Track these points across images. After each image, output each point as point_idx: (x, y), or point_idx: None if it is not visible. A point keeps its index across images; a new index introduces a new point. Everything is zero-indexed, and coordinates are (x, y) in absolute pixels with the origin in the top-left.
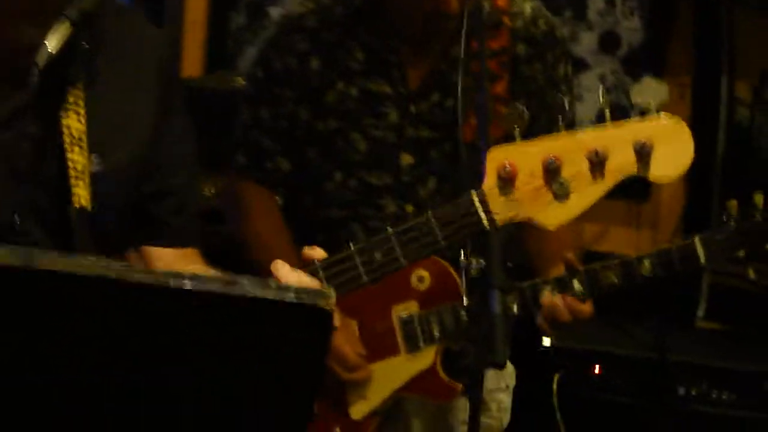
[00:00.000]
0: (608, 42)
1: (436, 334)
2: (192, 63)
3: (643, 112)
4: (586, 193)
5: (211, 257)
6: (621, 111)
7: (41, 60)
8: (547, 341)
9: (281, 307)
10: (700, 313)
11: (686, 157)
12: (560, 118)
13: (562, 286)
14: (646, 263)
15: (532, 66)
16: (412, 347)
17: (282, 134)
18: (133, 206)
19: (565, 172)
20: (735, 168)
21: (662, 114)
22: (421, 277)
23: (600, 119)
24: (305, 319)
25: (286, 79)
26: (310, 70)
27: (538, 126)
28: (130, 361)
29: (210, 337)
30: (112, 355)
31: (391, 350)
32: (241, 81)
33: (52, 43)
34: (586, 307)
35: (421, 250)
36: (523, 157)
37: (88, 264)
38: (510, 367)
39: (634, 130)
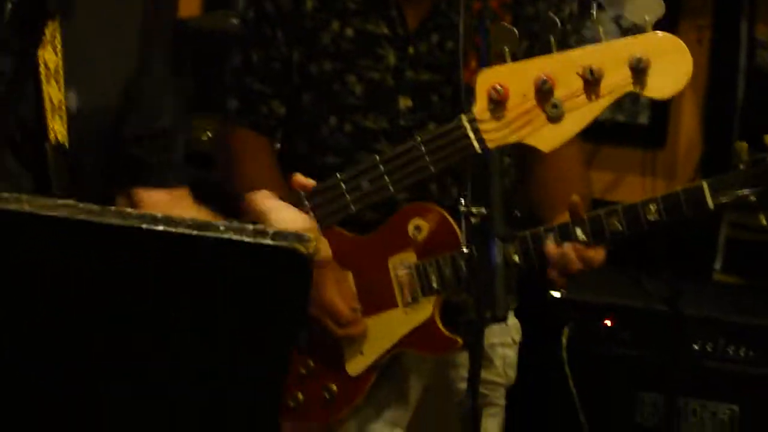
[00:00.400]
0: None
1: (435, 285)
2: (190, 1)
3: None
4: (580, 114)
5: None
6: None
7: None
8: (556, 292)
9: (258, 251)
10: (717, 265)
11: (684, 73)
12: (552, 37)
13: (564, 233)
14: (652, 208)
15: (535, 6)
16: (410, 299)
17: (275, 77)
18: (117, 148)
19: (559, 93)
20: (755, 114)
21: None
22: (419, 226)
23: None
24: (283, 263)
25: (278, 20)
26: (304, 11)
27: None
28: (101, 305)
29: (184, 282)
30: (82, 298)
31: (388, 303)
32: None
33: None
34: (598, 255)
35: (410, 177)
36: (515, 78)
37: (57, 205)
38: (516, 322)
39: (629, 46)
